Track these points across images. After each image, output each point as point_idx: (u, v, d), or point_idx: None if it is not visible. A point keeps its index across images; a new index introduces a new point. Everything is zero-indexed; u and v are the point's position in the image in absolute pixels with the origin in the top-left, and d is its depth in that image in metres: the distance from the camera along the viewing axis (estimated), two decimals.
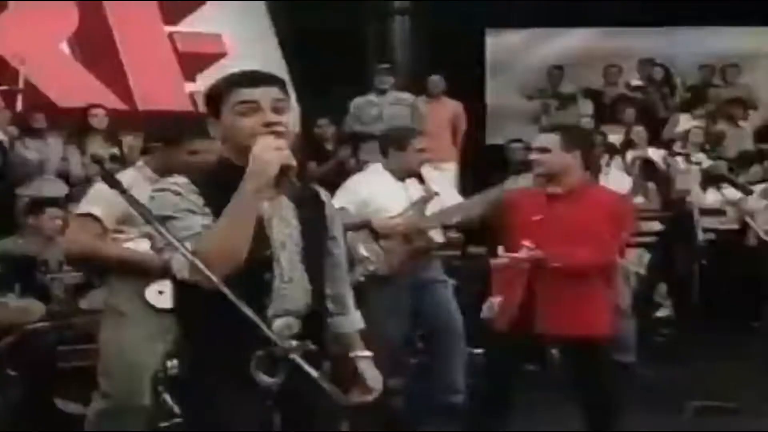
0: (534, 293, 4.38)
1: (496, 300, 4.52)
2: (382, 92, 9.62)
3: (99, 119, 8.52)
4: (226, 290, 2.33)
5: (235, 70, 2.70)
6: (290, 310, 2.60)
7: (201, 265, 2.37)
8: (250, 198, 2.45)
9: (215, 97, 2.62)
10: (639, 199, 7.74)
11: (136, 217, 3.60)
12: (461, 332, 5.59)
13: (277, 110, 2.57)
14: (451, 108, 9.93)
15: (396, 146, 5.52)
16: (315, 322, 2.67)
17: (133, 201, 2.46)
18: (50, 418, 4.98)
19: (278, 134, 2.53)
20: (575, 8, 11.13)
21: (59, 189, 8.01)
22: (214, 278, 2.35)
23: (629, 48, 11.73)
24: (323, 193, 2.85)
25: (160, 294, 3.82)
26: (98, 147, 8.24)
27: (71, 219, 4.14)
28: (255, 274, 2.53)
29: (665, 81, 11.08)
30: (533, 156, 4.54)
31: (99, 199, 3.85)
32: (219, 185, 2.53)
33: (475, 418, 4.76)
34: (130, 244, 3.92)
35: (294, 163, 2.48)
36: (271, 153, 2.45)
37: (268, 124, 2.54)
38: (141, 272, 3.83)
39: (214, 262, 2.40)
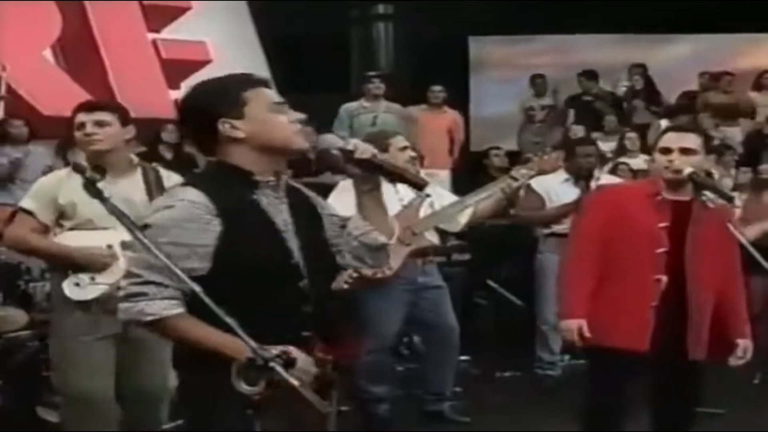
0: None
1: None
2: (376, 98, 9.62)
3: None
4: (207, 299, 2.31)
5: (236, 72, 2.64)
6: None
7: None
8: None
9: (234, 94, 2.54)
10: None
11: (80, 210, 3.78)
12: (457, 340, 5.55)
13: None
14: (450, 118, 9.96)
15: (378, 148, 5.52)
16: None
17: (114, 209, 2.44)
18: (32, 427, 4.95)
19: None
20: (559, 14, 11.16)
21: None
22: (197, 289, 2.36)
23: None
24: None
25: (77, 286, 3.87)
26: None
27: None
28: (288, 283, 2.53)
29: (647, 87, 11.04)
30: (673, 157, 3.87)
31: (35, 195, 4.01)
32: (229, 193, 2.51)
33: None
34: (65, 238, 3.94)
35: None
36: None
37: (298, 121, 2.61)
38: (73, 266, 3.88)
39: None
